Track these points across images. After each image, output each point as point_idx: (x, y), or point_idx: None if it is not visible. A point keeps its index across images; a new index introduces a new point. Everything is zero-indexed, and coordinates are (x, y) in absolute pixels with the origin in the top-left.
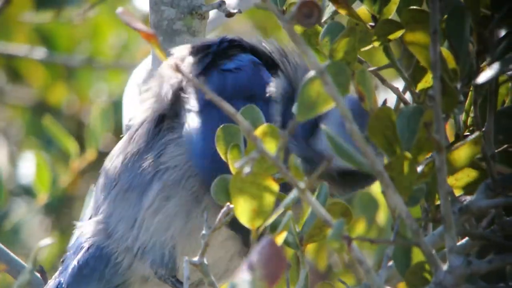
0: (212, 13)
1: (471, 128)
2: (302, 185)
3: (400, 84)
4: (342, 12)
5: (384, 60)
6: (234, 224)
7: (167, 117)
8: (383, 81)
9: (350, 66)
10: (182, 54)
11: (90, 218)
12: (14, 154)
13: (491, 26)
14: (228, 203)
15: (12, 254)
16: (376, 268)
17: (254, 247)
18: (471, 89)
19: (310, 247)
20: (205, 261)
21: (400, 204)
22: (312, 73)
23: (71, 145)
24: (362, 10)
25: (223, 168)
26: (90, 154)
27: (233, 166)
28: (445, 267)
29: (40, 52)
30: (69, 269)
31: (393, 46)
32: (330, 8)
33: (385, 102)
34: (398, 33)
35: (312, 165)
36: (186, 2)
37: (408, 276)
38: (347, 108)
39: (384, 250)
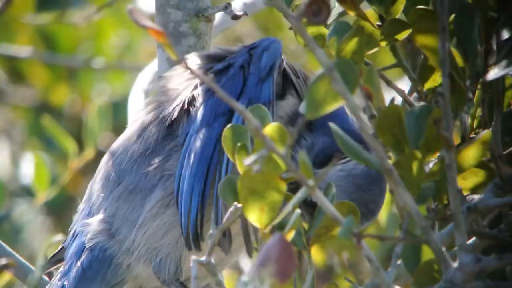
0: (218, 16)
1: (477, 131)
2: (311, 183)
3: (405, 86)
4: (350, 12)
5: (387, 61)
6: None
7: (177, 122)
8: (388, 82)
9: (357, 66)
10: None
11: (82, 211)
12: (17, 154)
13: (498, 25)
14: (235, 203)
15: (16, 254)
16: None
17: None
18: (478, 88)
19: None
20: (213, 260)
21: (409, 201)
22: (320, 71)
23: (70, 145)
24: (370, 11)
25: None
26: (89, 153)
27: (241, 166)
28: (454, 264)
29: (42, 53)
30: (73, 272)
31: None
32: (337, 9)
33: (393, 100)
34: (405, 33)
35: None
36: (192, 5)
37: (417, 275)
38: None
39: (387, 249)
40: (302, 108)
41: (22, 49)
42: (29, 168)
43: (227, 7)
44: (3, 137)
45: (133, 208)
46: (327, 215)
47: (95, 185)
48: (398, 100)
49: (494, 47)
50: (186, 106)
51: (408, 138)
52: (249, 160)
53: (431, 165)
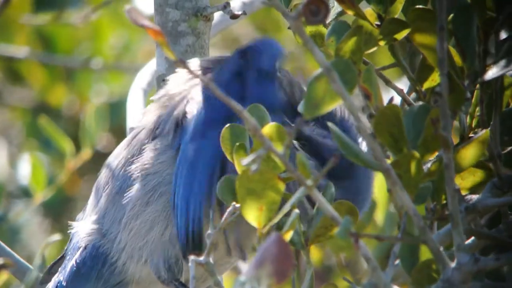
0: (217, 16)
1: (475, 130)
2: (309, 182)
3: (404, 86)
4: (349, 11)
5: (386, 61)
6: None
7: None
8: (387, 82)
9: (356, 65)
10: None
11: (85, 218)
12: (14, 155)
13: (497, 25)
14: (234, 203)
15: (15, 254)
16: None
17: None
18: (477, 87)
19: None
20: (211, 260)
21: (407, 201)
22: (318, 70)
23: (67, 145)
24: (369, 11)
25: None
26: (86, 154)
27: (239, 165)
28: (452, 264)
29: (40, 54)
30: (68, 269)
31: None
32: (336, 9)
33: (391, 100)
34: (404, 32)
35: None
36: (191, 4)
37: (415, 274)
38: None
39: (384, 249)
40: (300, 107)
41: (19, 50)
42: (26, 169)
43: (226, 7)
44: (0, 138)
45: (119, 209)
46: (326, 215)
47: (93, 192)
48: (397, 99)
49: (493, 47)
50: (180, 118)
51: (406, 137)
52: (247, 160)
53: (429, 165)
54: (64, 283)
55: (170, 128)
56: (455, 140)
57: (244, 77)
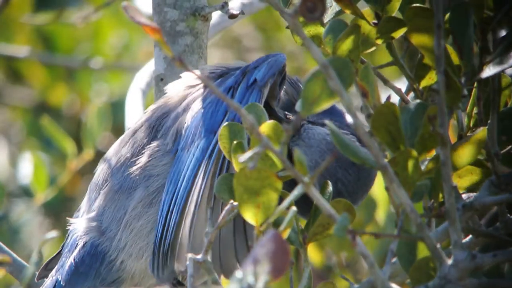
0: (216, 17)
1: (473, 130)
2: (306, 179)
3: (403, 86)
4: (346, 10)
5: (385, 61)
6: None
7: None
8: (385, 81)
9: (353, 64)
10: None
11: (82, 215)
12: (15, 155)
13: (494, 23)
14: (231, 201)
15: (14, 254)
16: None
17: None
18: (474, 86)
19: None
20: (209, 258)
21: (404, 198)
22: (316, 68)
23: (69, 145)
24: (367, 11)
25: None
26: (87, 154)
27: (237, 164)
28: (449, 261)
29: (40, 53)
30: (66, 267)
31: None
32: (334, 8)
33: (388, 98)
34: (401, 31)
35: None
36: (189, 4)
37: (412, 272)
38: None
39: (385, 248)
40: (298, 105)
41: (20, 49)
42: (27, 168)
43: (223, 6)
44: (1, 138)
45: (119, 208)
46: (323, 213)
47: (90, 189)
48: (395, 99)
49: (491, 45)
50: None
51: (404, 135)
52: (243, 157)
53: (426, 162)
54: (62, 283)
55: (172, 132)
56: (453, 139)
57: (235, 90)
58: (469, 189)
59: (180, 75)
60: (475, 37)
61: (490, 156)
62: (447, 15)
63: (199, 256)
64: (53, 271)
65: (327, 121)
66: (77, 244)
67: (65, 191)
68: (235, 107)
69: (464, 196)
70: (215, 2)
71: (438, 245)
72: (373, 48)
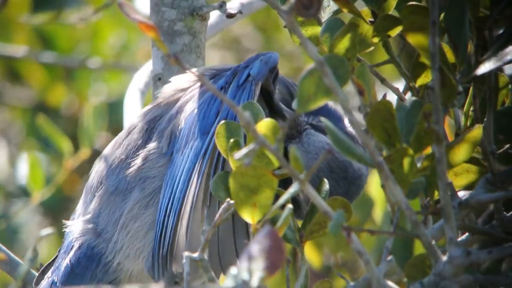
0: (215, 17)
1: (470, 129)
2: (302, 177)
3: (399, 85)
4: (343, 9)
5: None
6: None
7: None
8: (382, 80)
9: (350, 62)
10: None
11: (78, 218)
12: (14, 155)
13: (490, 21)
14: (228, 199)
15: (11, 254)
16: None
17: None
18: (471, 85)
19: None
20: (205, 256)
21: (400, 195)
22: (311, 65)
23: (65, 144)
24: (364, 11)
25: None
26: (84, 153)
27: (233, 162)
28: (444, 258)
29: (39, 53)
30: (62, 268)
31: (391, 44)
32: (331, 8)
33: (384, 96)
34: (398, 29)
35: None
36: (187, 3)
37: (408, 269)
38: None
39: (382, 246)
40: (294, 104)
41: (18, 49)
42: (25, 168)
43: (221, 6)
44: (0, 138)
45: (115, 210)
46: (320, 211)
47: (85, 191)
48: (393, 98)
49: (487, 43)
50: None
51: (400, 132)
52: (239, 153)
53: (422, 160)
54: (58, 284)
55: (166, 134)
56: (451, 138)
57: (226, 90)
58: (466, 187)
59: (176, 76)
60: (470, 34)
61: (486, 154)
62: (443, 13)
63: (195, 255)
64: (49, 272)
65: (323, 118)
66: (73, 245)
67: (64, 190)
68: (230, 104)
69: (460, 194)
70: (213, 2)
71: (433, 242)
72: (371, 48)
